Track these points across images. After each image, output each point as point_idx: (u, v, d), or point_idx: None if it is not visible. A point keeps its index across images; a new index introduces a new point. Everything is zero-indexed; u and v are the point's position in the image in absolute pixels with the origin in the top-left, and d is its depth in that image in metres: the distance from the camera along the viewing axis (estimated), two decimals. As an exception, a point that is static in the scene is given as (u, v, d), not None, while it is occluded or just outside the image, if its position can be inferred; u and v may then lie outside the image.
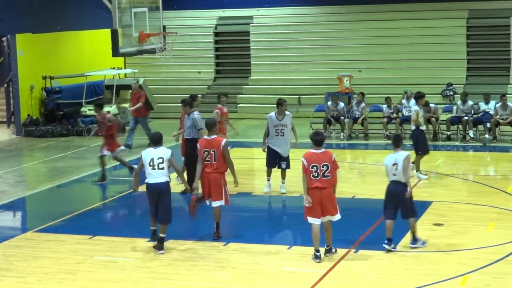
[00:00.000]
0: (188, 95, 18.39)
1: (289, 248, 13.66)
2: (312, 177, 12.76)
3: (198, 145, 14.19)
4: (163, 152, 13.64)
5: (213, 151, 13.88)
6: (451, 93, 27.87)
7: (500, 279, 11.88)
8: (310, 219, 12.87)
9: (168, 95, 31.31)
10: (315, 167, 12.75)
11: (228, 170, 14.21)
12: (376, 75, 29.75)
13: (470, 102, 24.49)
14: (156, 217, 13.72)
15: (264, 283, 12.07)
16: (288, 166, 17.68)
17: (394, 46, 30.10)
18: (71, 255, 13.59)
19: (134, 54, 25.20)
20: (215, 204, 14.06)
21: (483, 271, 12.22)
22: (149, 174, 13.54)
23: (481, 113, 24.14)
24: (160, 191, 13.53)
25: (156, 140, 13.79)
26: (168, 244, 13.91)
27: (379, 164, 21.50)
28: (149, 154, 13.64)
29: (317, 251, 12.93)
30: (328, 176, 12.76)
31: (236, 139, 24.90)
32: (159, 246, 13.57)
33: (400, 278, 12.04)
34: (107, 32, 23.24)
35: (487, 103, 24.36)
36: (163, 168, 13.50)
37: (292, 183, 18.24)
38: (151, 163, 13.50)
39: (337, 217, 12.95)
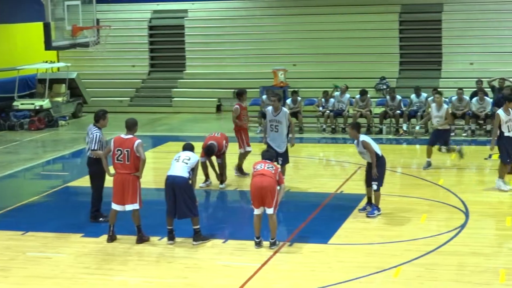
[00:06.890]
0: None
1: (224, 242, 13.67)
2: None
3: (112, 141, 13.70)
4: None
5: (126, 150, 13.49)
6: (384, 86, 28.16)
7: (432, 270, 12.06)
8: (255, 210, 13.15)
9: (102, 89, 31.07)
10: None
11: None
12: (311, 69, 29.92)
13: (398, 98, 24.83)
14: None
15: (199, 277, 12.06)
16: (284, 162, 17.00)
17: (328, 40, 30.30)
18: (3, 251, 13.40)
19: (67, 48, 24.97)
20: (130, 207, 13.64)
21: (416, 262, 12.40)
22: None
23: (413, 107, 24.46)
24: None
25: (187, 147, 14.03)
26: (102, 239, 13.83)
27: (314, 157, 21.72)
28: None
29: (257, 237, 13.22)
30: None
31: (171, 133, 24.86)
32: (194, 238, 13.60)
33: (334, 271, 12.13)
34: (39, 25, 22.95)
35: (418, 96, 24.70)
36: (186, 163, 13.52)
37: (231, 177, 18.32)
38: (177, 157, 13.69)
39: (271, 210, 13.09)
